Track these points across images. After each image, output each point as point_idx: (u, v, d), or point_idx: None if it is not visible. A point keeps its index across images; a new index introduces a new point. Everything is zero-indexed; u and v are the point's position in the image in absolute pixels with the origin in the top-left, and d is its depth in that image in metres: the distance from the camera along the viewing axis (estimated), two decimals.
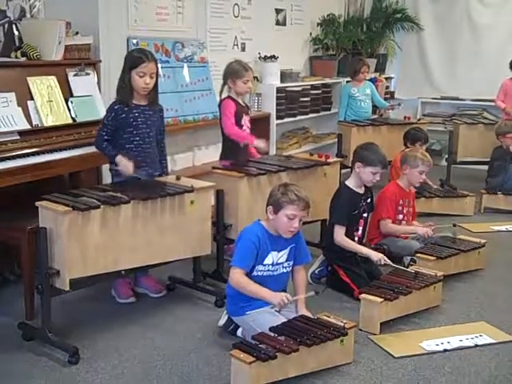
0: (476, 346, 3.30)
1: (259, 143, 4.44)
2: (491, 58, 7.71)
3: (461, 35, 8.00)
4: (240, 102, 4.50)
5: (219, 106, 4.51)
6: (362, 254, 3.94)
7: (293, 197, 3.16)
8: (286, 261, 3.30)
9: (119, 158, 3.57)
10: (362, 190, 4.11)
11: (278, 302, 3.07)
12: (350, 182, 4.12)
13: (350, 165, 6.40)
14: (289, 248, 3.30)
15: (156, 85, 3.68)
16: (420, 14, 8.17)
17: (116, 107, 3.61)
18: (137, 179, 3.60)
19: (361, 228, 4.12)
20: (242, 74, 4.41)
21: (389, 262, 3.86)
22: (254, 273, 3.22)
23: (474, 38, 7.95)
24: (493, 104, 7.13)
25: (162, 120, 3.85)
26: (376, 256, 3.87)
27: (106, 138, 3.63)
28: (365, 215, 4.14)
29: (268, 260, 3.24)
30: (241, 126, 4.45)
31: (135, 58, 3.59)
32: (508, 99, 6.82)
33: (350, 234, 4.02)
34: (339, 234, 3.97)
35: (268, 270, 3.25)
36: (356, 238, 4.07)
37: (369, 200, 4.16)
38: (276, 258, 3.26)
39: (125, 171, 3.57)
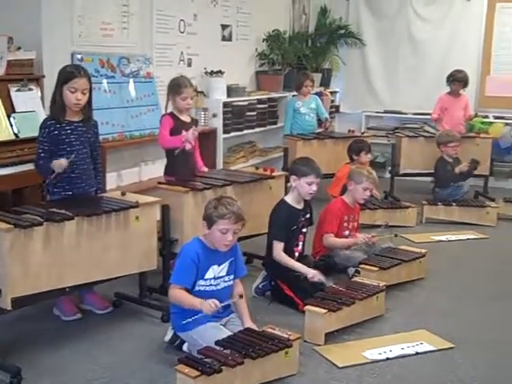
0: (417, 353, 3.39)
1: (188, 135, 4.40)
2: (431, 73, 7.96)
3: (402, 50, 8.24)
4: (182, 117, 4.50)
5: (160, 121, 4.54)
6: (298, 271, 3.95)
7: (224, 211, 3.18)
8: (227, 274, 3.33)
9: (55, 161, 3.51)
10: (300, 206, 4.15)
11: (207, 308, 3.09)
12: (289, 198, 4.16)
13: None
14: (228, 261, 3.33)
15: (90, 101, 3.65)
16: (363, 30, 8.38)
17: (48, 123, 3.57)
18: (77, 195, 3.58)
19: (301, 243, 4.17)
20: (180, 91, 4.42)
21: (323, 279, 3.91)
22: (196, 288, 3.24)
23: (415, 53, 8.20)
24: None
25: (96, 136, 3.80)
26: (311, 273, 3.90)
27: (43, 155, 3.56)
28: (304, 230, 4.18)
29: (209, 274, 3.26)
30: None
31: (67, 74, 3.55)
32: (445, 113, 7.06)
33: (290, 250, 4.07)
34: (277, 249, 4.00)
35: (210, 285, 3.27)
36: (296, 254, 4.13)
37: (308, 215, 4.21)
38: (217, 272, 3.29)
39: (59, 167, 3.49)
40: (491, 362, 3.33)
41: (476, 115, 7.43)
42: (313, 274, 3.90)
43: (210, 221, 3.21)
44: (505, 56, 7.78)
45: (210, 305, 3.07)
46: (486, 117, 7.80)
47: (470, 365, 3.28)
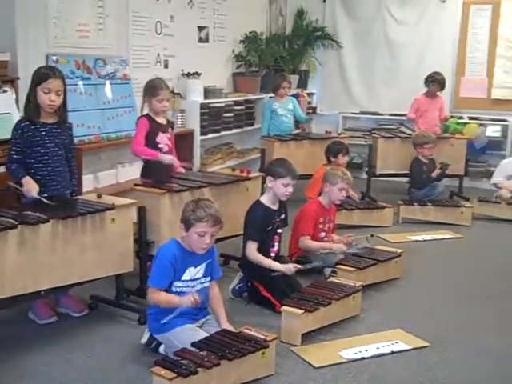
0: (392, 352, 3.42)
1: (164, 158, 4.43)
2: (407, 74, 8.04)
3: (378, 52, 8.32)
4: (158, 119, 4.50)
5: (136, 123, 4.53)
6: (273, 269, 3.95)
7: (202, 214, 3.18)
8: (203, 276, 3.34)
9: (26, 180, 3.49)
10: (276, 207, 4.16)
11: (188, 299, 3.11)
12: (264, 199, 4.17)
13: None
14: (205, 263, 3.34)
15: (65, 103, 3.63)
16: (339, 32, 8.43)
17: (22, 125, 3.54)
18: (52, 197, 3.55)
19: (276, 244, 4.19)
20: (157, 93, 4.43)
21: (299, 266, 3.95)
22: (173, 289, 3.24)
23: (391, 55, 8.28)
24: None
25: (71, 138, 3.78)
26: (287, 269, 3.92)
27: (15, 157, 3.53)
28: (279, 231, 4.19)
29: (186, 276, 3.27)
30: (156, 144, 4.46)
31: (41, 74, 3.53)
32: (420, 114, 7.14)
33: (266, 251, 4.08)
34: (251, 249, 4.01)
35: (187, 286, 3.27)
36: (272, 254, 4.14)
37: (282, 216, 4.23)
38: (194, 274, 3.30)
39: (27, 193, 3.49)
40: (465, 360, 3.37)
41: (451, 117, 7.53)
42: (288, 269, 3.92)
43: (187, 224, 3.21)
44: (479, 58, 7.89)
45: (190, 299, 3.10)
46: (461, 118, 7.90)
47: (445, 363, 3.32)
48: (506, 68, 7.74)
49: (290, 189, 4.12)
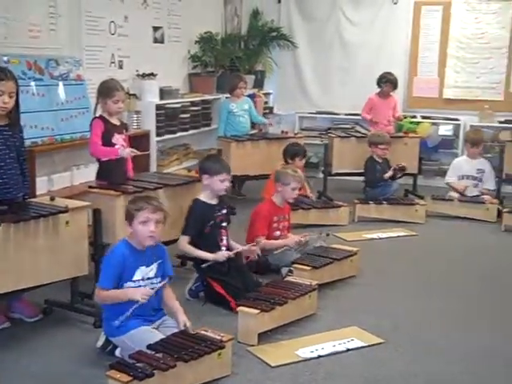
0: (348, 350, 3.47)
1: (123, 152, 4.41)
2: (361, 74, 8.14)
3: (333, 53, 8.41)
4: (112, 121, 4.48)
5: (90, 124, 4.49)
6: (206, 259, 4.01)
7: (141, 203, 3.26)
8: (155, 276, 3.33)
9: None
10: (215, 202, 4.21)
11: (141, 297, 3.12)
12: (202, 196, 4.19)
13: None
14: (157, 263, 3.34)
15: (17, 104, 3.56)
16: (294, 32, 8.49)
17: None
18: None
19: (225, 238, 4.20)
20: (112, 94, 4.40)
21: (231, 253, 4.02)
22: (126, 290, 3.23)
23: (345, 55, 8.38)
24: None
25: (22, 140, 3.71)
26: (218, 257, 4.00)
27: None
28: (224, 225, 4.22)
29: (137, 276, 3.26)
30: (112, 145, 4.43)
31: None
32: (374, 113, 7.25)
33: (216, 245, 4.11)
34: (182, 242, 4.06)
35: (139, 286, 3.26)
36: (224, 248, 4.15)
37: (224, 211, 4.24)
38: (145, 273, 3.30)
39: None
40: (417, 356, 3.43)
41: (404, 117, 7.67)
42: (223, 256, 3.98)
43: (130, 217, 3.25)
44: (430, 58, 8.05)
45: (142, 292, 3.13)
46: (414, 117, 8.05)
47: (398, 359, 3.38)
48: (457, 68, 7.92)
49: (227, 183, 4.21)
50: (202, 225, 4.08)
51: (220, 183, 4.14)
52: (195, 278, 4.18)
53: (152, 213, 3.25)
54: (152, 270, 3.32)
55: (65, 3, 5.34)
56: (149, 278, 3.31)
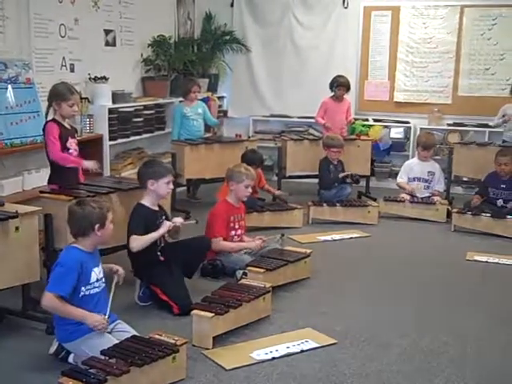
0: (302, 351, 3.50)
1: (89, 164, 4.39)
2: (314, 78, 8.21)
3: (286, 56, 8.47)
4: (65, 124, 4.44)
5: (43, 129, 4.43)
6: (154, 238, 4.02)
7: (102, 208, 3.30)
8: (103, 276, 3.37)
9: None
10: (157, 208, 4.20)
11: (94, 325, 3.12)
12: (145, 201, 4.16)
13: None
14: (101, 263, 3.38)
15: None
16: (247, 36, 8.53)
17: None
18: None
19: (163, 244, 4.21)
20: (67, 97, 4.36)
21: (172, 224, 4.09)
22: (82, 293, 3.20)
23: (298, 58, 8.45)
24: None
25: None
26: (164, 227, 4.04)
27: None
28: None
29: (93, 278, 3.27)
30: (67, 150, 4.39)
31: None
32: (328, 116, 7.34)
33: (155, 252, 4.10)
34: (133, 240, 3.99)
35: (94, 287, 3.26)
36: (162, 258, 4.15)
37: (164, 217, 4.23)
38: (98, 274, 3.31)
39: None
40: (370, 356, 3.48)
41: (355, 120, 7.79)
42: (166, 227, 4.05)
43: (103, 219, 3.27)
44: (381, 62, 8.19)
45: (98, 320, 3.12)
46: (366, 120, 8.18)
47: (350, 359, 3.43)
48: (407, 72, 8.07)
49: (171, 185, 4.23)
50: (145, 229, 4.05)
51: (166, 186, 4.14)
52: (139, 284, 4.16)
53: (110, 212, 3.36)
54: (101, 269, 3.35)
55: (12, 5, 5.24)
56: (100, 279, 3.31)
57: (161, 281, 4.01)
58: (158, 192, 4.14)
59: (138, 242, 3.97)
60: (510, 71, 7.65)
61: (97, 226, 3.25)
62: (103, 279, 3.35)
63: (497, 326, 3.92)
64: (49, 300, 3.14)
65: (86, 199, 3.42)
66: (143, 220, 4.06)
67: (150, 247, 4.04)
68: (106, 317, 3.19)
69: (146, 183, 4.12)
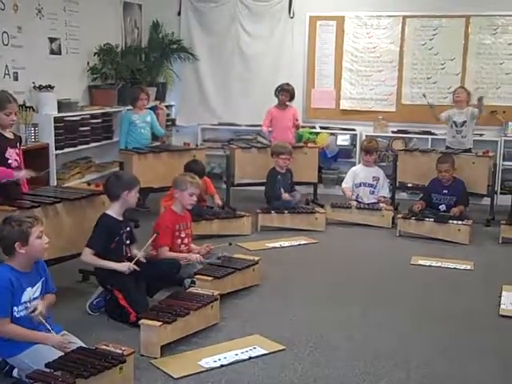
0: (250, 358, 3.53)
1: (18, 175, 4.32)
2: (261, 87, 8.24)
3: (233, 65, 8.50)
4: (5, 134, 4.36)
5: None
6: (111, 268, 4.02)
7: (28, 220, 3.23)
8: (40, 294, 3.30)
9: None
10: (121, 218, 4.22)
11: (59, 345, 3.10)
12: (111, 211, 4.18)
13: None
14: (41, 282, 3.32)
15: None
16: (195, 44, 8.53)
17: None
18: None
19: (129, 254, 4.22)
20: (3, 106, 4.29)
21: (135, 266, 4.04)
22: (16, 315, 3.15)
23: (245, 67, 8.48)
24: None
25: None
26: (123, 267, 4.02)
27: None
28: (128, 242, 4.25)
29: (25, 297, 3.20)
30: (5, 160, 4.31)
31: None
32: (274, 125, 7.42)
33: (120, 261, 4.10)
34: (86, 254, 4.03)
35: (26, 308, 3.19)
36: (125, 261, 4.14)
37: (128, 228, 4.26)
38: (32, 294, 3.24)
39: None
40: (318, 361, 3.54)
41: (302, 127, 7.89)
42: (126, 267, 4.01)
43: (24, 237, 3.17)
44: (327, 70, 8.28)
45: (61, 341, 3.10)
46: (313, 127, 8.29)
47: (298, 364, 3.48)
48: (352, 80, 8.21)
49: (138, 194, 4.28)
50: (109, 240, 4.06)
51: (135, 196, 4.22)
52: (98, 292, 4.14)
53: (41, 225, 3.28)
54: (37, 289, 3.28)
55: None
56: (34, 299, 3.25)
57: (125, 287, 4.00)
58: (129, 201, 4.18)
59: (89, 260, 4.03)
60: (451, 80, 7.87)
61: (17, 245, 3.17)
62: (39, 299, 3.26)
63: (438, 326, 4.04)
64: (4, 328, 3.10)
65: (13, 215, 3.36)
66: (105, 231, 4.06)
67: (119, 255, 4.09)
68: (53, 332, 3.14)
69: (121, 194, 4.14)
